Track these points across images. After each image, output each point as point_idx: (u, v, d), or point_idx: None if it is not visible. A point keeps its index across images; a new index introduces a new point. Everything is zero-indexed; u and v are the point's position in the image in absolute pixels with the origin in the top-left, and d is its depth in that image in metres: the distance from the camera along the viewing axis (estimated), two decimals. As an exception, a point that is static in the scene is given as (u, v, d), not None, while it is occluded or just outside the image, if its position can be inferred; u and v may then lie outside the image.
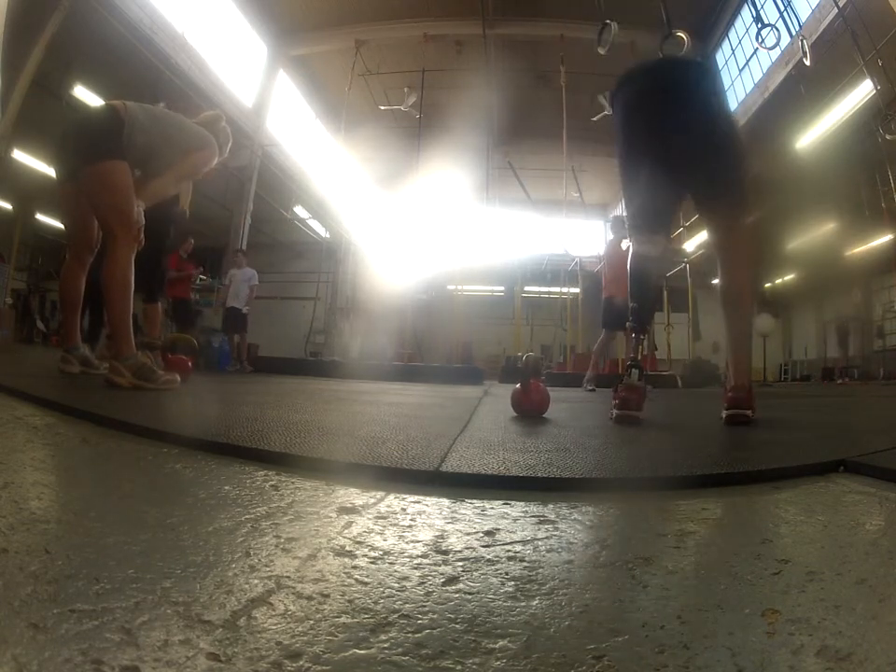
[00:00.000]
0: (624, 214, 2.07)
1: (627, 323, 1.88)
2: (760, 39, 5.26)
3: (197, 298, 10.01)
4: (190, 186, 2.26)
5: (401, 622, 0.39)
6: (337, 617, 0.39)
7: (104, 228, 2.19)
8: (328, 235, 13.57)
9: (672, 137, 1.73)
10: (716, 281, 1.85)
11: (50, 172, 3.66)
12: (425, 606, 0.42)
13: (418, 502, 0.71)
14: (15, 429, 1.10)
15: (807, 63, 6.13)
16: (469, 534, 0.59)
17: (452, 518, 0.65)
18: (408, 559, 0.51)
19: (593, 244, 14.83)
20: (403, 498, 0.72)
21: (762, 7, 7.39)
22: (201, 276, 10.43)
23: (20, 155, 8.08)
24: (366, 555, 0.52)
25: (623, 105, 1.88)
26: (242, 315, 7.38)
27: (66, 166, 2.27)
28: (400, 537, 0.57)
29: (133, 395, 1.79)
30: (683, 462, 0.95)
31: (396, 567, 0.49)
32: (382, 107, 11.16)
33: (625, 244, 4.92)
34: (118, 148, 2.06)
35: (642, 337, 1.89)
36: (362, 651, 0.35)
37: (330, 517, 0.63)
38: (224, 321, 7.45)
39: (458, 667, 0.34)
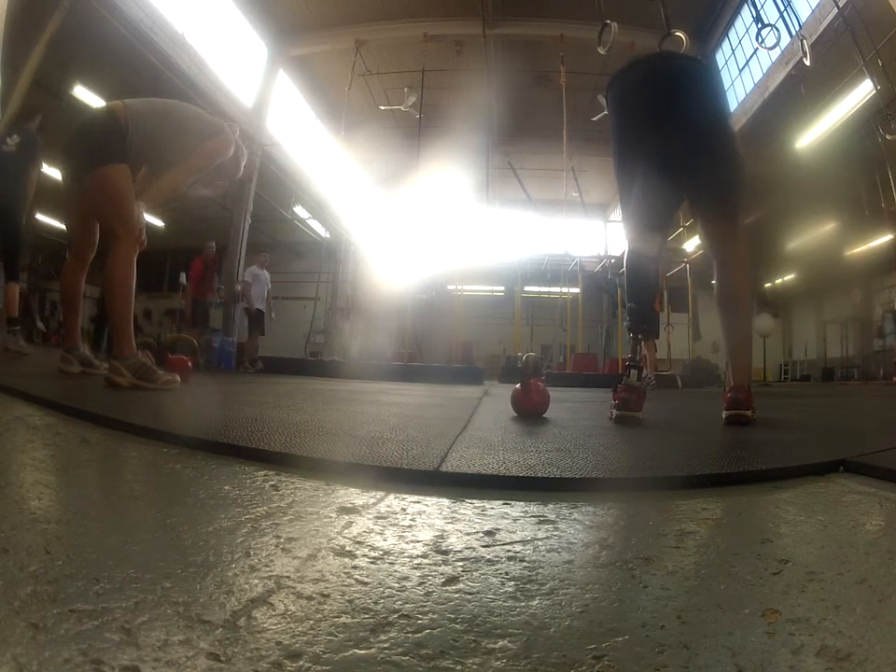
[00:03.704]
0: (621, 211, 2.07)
1: (625, 323, 1.88)
2: (760, 39, 5.25)
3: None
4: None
5: (401, 622, 0.39)
6: (337, 617, 0.39)
7: (105, 230, 2.19)
8: (328, 235, 13.58)
9: (667, 132, 1.72)
10: (714, 282, 1.84)
11: (50, 172, 3.69)
12: (425, 606, 0.42)
13: (418, 502, 0.71)
14: (15, 429, 1.10)
15: (807, 63, 6.13)
16: (469, 534, 0.59)
17: (452, 518, 0.65)
18: (408, 559, 0.51)
19: (593, 244, 14.83)
20: (403, 498, 0.72)
21: (762, 7, 7.39)
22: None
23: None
24: (366, 555, 0.52)
25: (618, 99, 1.87)
26: (263, 317, 7.38)
27: (67, 170, 2.28)
28: (400, 537, 0.57)
29: (133, 395, 1.79)
30: (683, 462, 0.95)
31: (396, 567, 0.49)
32: (382, 107, 11.16)
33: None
34: (118, 152, 2.07)
35: (640, 337, 1.88)
36: (362, 651, 0.35)
37: (330, 517, 0.63)
38: (252, 322, 7.37)
39: (458, 667, 0.34)
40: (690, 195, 1.83)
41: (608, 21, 2.43)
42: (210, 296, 7.35)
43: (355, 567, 0.49)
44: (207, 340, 7.40)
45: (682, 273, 10.66)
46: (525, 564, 0.51)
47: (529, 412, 1.74)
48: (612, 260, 11.05)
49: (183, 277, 10.08)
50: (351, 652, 0.35)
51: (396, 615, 0.40)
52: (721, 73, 10.11)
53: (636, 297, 1.85)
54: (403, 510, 0.67)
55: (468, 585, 0.46)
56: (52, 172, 3.94)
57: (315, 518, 0.62)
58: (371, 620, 0.39)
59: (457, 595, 0.44)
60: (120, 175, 2.06)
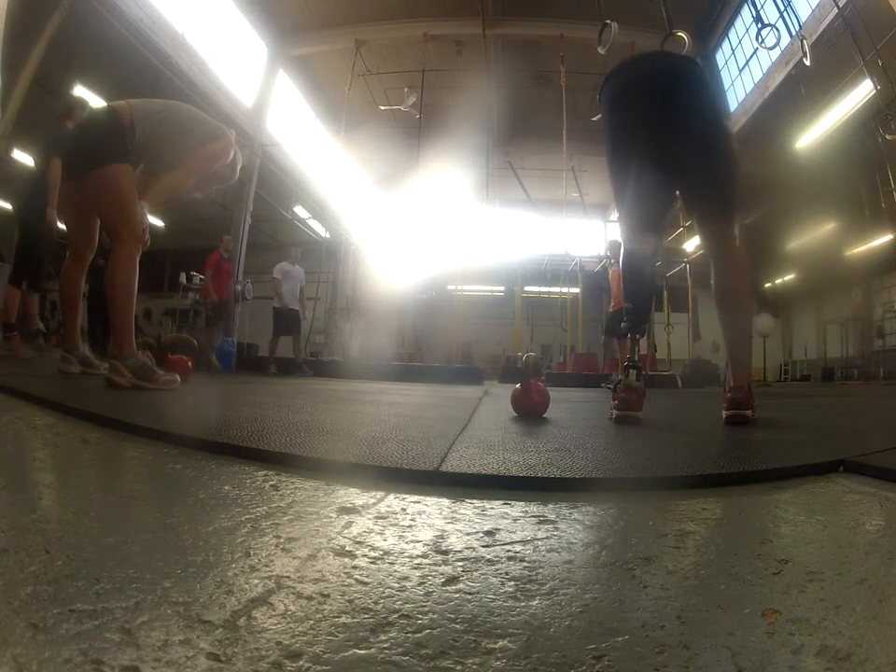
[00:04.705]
0: (616, 212, 2.08)
1: (622, 324, 1.88)
2: (760, 39, 5.25)
3: (196, 297, 10.01)
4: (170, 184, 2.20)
5: (401, 622, 0.39)
6: (337, 617, 0.39)
7: (108, 229, 2.19)
8: (328, 235, 13.58)
9: (662, 131, 1.72)
10: (712, 281, 1.84)
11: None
12: (425, 606, 0.42)
13: (418, 502, 0.71)
14: (15, 429, 1.10)
15: (807, 63, 6.13)
16: (469, 534, 0.59)
17: (452, 518, 0.65)
18: (408, 559, 0.51)
19: (593, 244, 14.82)
20: (403, 498, 0.72)
21: (762, 7, 7.39)
22: (201, 277, 10.44)
23: (20, 155, 8.09)
24: (366, 555, 0.52)
25: (612, 98, 1.86)
26: (298, 315, 6.78)
27: (69, 169, 2.27)
28: (400, 537, 0.57)
29: (133, 395, 1.79)
30: (683, 462, 0.95)
31: (396, 567, 0.49)
32: (382, 107, 11.17)
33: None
34: (120, 152, 2.07)
35: (638, 337, 1.88)
36: (362, 651, 0.35)
37: (330, 517, 0.63)
38: (281, 322, 6.64)
39: (458, 667, 0.34)
40: (685, 194, 1.84)
41: (608, 21, 2.44)
42: (224, 296, 6.92)
43: (355, 567, 0.49)
44: (223, 341, 7.24)
45: (682, 273, 10.66)
46: (525, 564, 0.51)
47: (529, 412, 1.74)
48: (612, 260, 11.06)
49: (183, 277, 10.05)
50: (351, 652, 0.35)
51: (396, 615, 0.40)
52: (721, 73, 10.12)
53: (633, 297, 1.85)
54: (403, 510, 0.67)
55: (468, 585, 0.46)
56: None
57: (315, 518, 0.62)
58: (371, 620, 0.39)
59: (457, 595, 0.44)
60: (124, 174, 2.06)
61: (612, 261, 6.30)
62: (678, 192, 1.84)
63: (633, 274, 1.86)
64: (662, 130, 1.71)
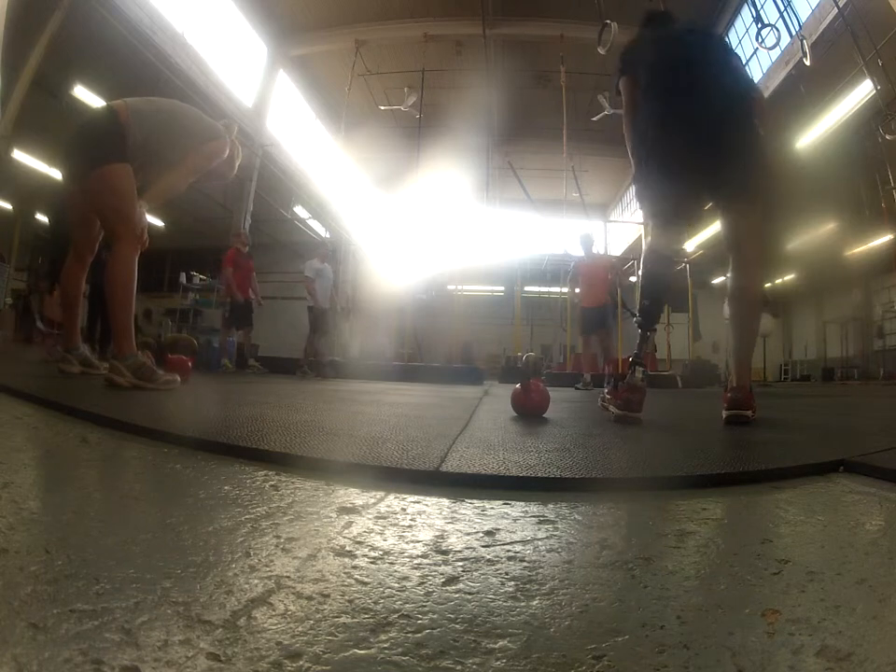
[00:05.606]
0: (640, 210, 2.05)
1: (635, 320, 1.86)
2: (760, 39, 5.27)
3: (196, 297, 10.00)
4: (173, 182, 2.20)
5: (401, 622, 0.39)
6: (337, 617, 0.39)
7: (107, 230, 2.19)
8: (328, 235, 13.59)
9: (703, 116, 1.68)
10: (719, 280, 1.83)
11: (51, 171, 3.66)
12: (425, 606, 0.42)
13: (418, 502, 0.71)
14: (15, 429, 1.10)
15: (807, 63, 6.14)
16: (468, 534, 0.59)
17: (452, 518, 0.65)
18: (408, 559, 0.51)
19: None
20: (403, 498, 0.72)
21: (762, 7, 7.39)
22: (201, 277, 10.43)
23: (20, 155, 8.09)
24: (366, 555, 0.52)
25: (647, 86, 1.81)
26: (327, 315, 6.56)
27: (67, 169, 2.27)
28: (400, 537, 0.57)
29: (133, 395, 1.79)
30: (683, 462, 0.95)
31: (396, 567, 0.49)
32: (382, 107, 11.18)
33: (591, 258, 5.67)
34: (119, 152, 2.06)
35: (649, 335, 1.86)
36: (362, 651, 0.35)
37: (330, 517, 0.63)
38: (320, 320, 6.41)
39: (458, 667, 0.34)
40: (717, 181, 1.79)
41: (608, 21, 2.45)
42: (245, 294, 6.56)
43: (355, 567, 0.49)
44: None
45: (682, 273, 10.66)
46: (525, 564, 0.51)
47: (529, 412, 1.74)
48: (612, 260, 11.06)
49: (183, 277, 10.04)
50: (351, 652, 0.35)
51: (396, 615, 0.40)
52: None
53: (651, 295, 1.83)
54: (403, 510, 0.67)
55: (468, 585, 0.46)
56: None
57: (315, 518, 0.62)
58: (371, 620, 0.39)
59: (457, 595, 0.44)
60: (122, 174, 2.06)
61: (584, 255, 6.22)
62: (709, 184, 1.81)
63: (656, 273, 1.83)
64: (706, 111, 1.68)
